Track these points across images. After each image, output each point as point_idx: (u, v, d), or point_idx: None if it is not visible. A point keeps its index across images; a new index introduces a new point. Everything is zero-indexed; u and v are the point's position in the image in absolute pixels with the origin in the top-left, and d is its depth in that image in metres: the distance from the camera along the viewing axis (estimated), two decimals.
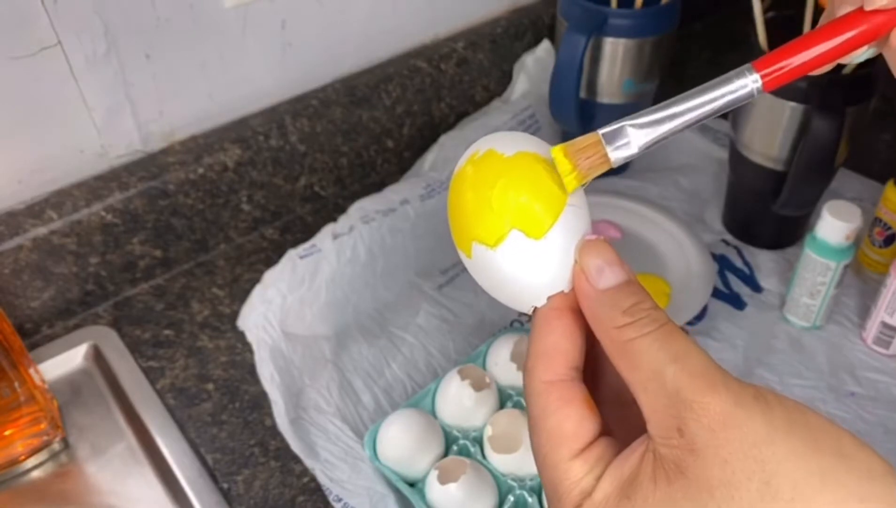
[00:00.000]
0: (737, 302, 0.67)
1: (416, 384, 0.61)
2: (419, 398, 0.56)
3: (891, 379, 0.61)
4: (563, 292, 0.28)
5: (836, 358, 0.63)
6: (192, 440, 0.57)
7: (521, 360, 0.56)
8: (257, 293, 0.62)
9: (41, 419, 0.56)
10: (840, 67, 0.28)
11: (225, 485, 0.54)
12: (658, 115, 0.27)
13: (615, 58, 0.71)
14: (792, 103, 0.61)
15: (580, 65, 0.67)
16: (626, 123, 0.27)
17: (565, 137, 0.79)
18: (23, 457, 0.56)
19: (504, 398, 0.56)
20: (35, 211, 0.61)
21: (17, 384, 0.54)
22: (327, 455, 0.55)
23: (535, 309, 0.28)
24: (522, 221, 0.27)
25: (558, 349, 0.27)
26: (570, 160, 0.27)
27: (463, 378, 0.54)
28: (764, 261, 0.71)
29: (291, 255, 0.62)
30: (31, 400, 0.55)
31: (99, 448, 0.58)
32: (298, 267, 0.61)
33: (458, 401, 0.54)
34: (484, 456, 0.52)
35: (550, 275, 0.28)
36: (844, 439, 0.23)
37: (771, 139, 0.64)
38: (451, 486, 0.48)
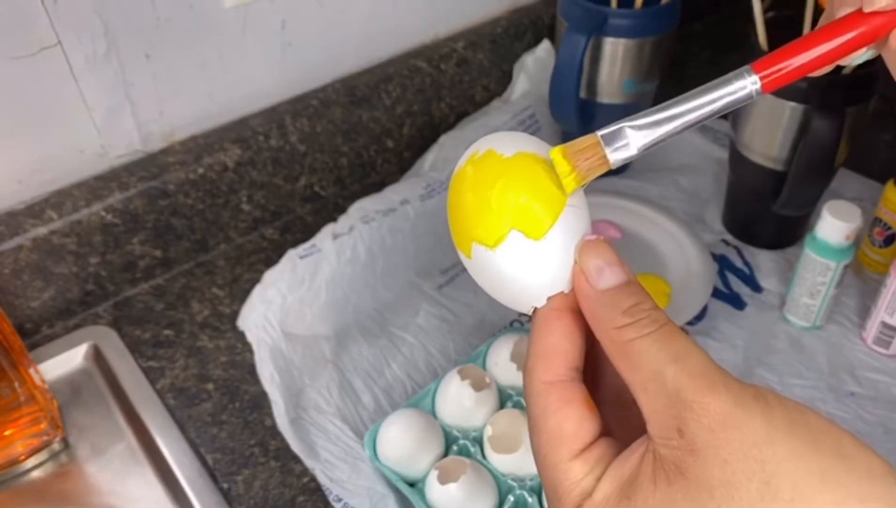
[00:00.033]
0: (737, 302, 0.67)
1: (416, 384, 0.61)
2: (419, 398, 0.56)
3: (891, 379, 0.61)
4: (562, 292, 0.28)
5: (836, 358, 0.63)
6: (192, 440, 0.57)
7: (521, 360, 0.56)
8: (257, 293, 0.62)
9: (41, 419, 0.56)
10: (839, 67, 0.28)
11: (225, 485, 0.54)
12: (657, 116, 0.27)
13: (615, 58, 0.71)
14: (792, 103, 0.61)
15: (580, 65, 0.67)
16: (624, 124, 0.27)
17: (565, 137, 0.79)
18: (23, 457, 0.56)
19: (504, 398, 0.56)
20: (35, 211, 0.61)
21: (17, 384, 0.54)
22: (327, 455, 0.55)
23: (535, 310, 0.28)
24: (522, 221, 0.27)
25: (558, 350, 0.27)
26: (568, 162, 0.27)
27: (463, 378, 0.54)
28: (764, 261, 0.71)
29: (291, 255, 0.62)
30: (31, 400, 0.55)
31: (99, 448, 0.58)
32: (298, 267, 0.61)
33: (458, 401, 0.54)
34: (484, 456, 0.52)
35: (550, 275, 0.28)
36: (844, 439, 0.23)
37: (771, 139, 0.64)
38: (451, 486, 0.48)
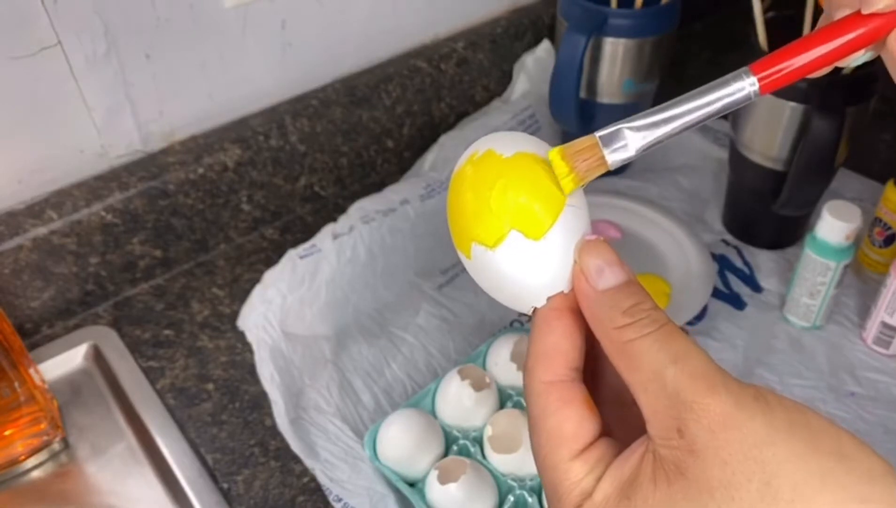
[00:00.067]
0: (737, 302, 0.67)
1: (416, 384, 0.61)
2: (419, 398, 0.56)
3: (891, 379, 0.61)
4: (562, 292, 0.28)
5: (836, 358, 0.63)
6: (192, 440, 0.57)
7: (521, 360, 0.56)
8: (257, 293, 0.62)
9: (41, 419, 0.56)
10: (839, 68, 0.28)
11: (225, 485, 0.54)
12: (655, 117, 0.27)
13: (615, 58, 0.71)
14: (792, 103, 0.61)
15: (580, 65, 0.67)
16: (623, 125, 0.27)
17: (565, 137, 0.79)
18: (23, 457, 0.56)
19: (504, 398, 0.56)
20: (35, 211, 0.61)
21: (17, 384, 0.54)
22: (327, 455, 0.55)
23: (535, 310, 0.28)
24: (522, 221, 0.27)
25: (558, 350, 0.27)
26: (567, 163, 0.27)
27: (463, 378, 0.54)
28: (764, 261, 0.71)
29: (291, 255, 0.62)
30: (31, 400, 0.55)
31: (99, 448, 0.58)
32: (298, 267, 0.61)
33: (458, 401, 0.54)
34: (484, 456, 0.52)
35: (550, 275, 0.28)
36: (844, 439, 0.23)
37: (771, 139, 0.64)
38: (451, 486, 0.48)
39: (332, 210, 0.76)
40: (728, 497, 0.22)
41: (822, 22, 0.28)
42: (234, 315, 0.64)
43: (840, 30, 0.26)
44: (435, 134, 0.81)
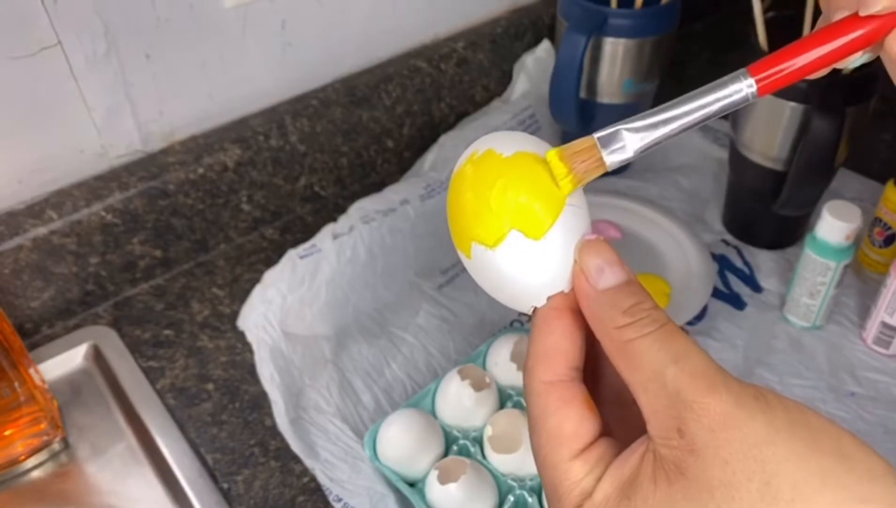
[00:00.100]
0: (737, 302, 0.67)
1: (416, 384, 0.61)
2: (419, 398, 0.56)
3: (891, 379, 0.61)
4: (562, 292, 0.28)
5: (836, 358, 0.63)
6: (192, 440, 0.57)
7: (521, 360, 0.56)
8: (257, 293, 0.61)
9: (41, 419, 0.56)
10: (838, 68, 0.28)
11: (225, 485, 0.54)
12: (653, 119, 0.27)
13: (615, 58, 0.71)
14: (792, 103, 0.61)
15: (580, 65, 0.67)
16: (621, 126, 0.28)
17: (565, 137, 0.79)
18: (23, 457, 0.56)
19: (504, 398, 0.56)
20: (35, 211, 0.61)
21: (17, 384, 0.54)
22: (327, 455, 0.55)
23: (535, 309, 0.28)
24: (522, 221, 0.27)
25: (558, 350, 0.27)
26: (565, 164, 0.27)
27: (463, 378, 0.54)
28: (764, 261, 0.71)
29: (291, 255, 0.62)
30: (31, 400, 0.55)
31: (99, 448, 0.58)
32: (298, 267, 0.61)
33: (458, 401, 0.54)
34: (484, 456, 0.52)
35: (550, 275, 0.28)
36: (845, 439, 0.23)
37: (771, 139, 0.64)
38: (451, 486, 0.48)
39: (332, 210, 0.76)
40: (728, 497, 0.22)
41: (820, 23, 0.28)
42: (234, 315, 0.64)
43: (838, 31, 0.26)
44: (435, 134, 0.81)
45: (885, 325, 0.61)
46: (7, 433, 0.55)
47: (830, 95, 0.59)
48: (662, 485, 0.23)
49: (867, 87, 0.61)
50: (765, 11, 0.62)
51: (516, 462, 0.50)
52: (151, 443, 0.57)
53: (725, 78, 0.27)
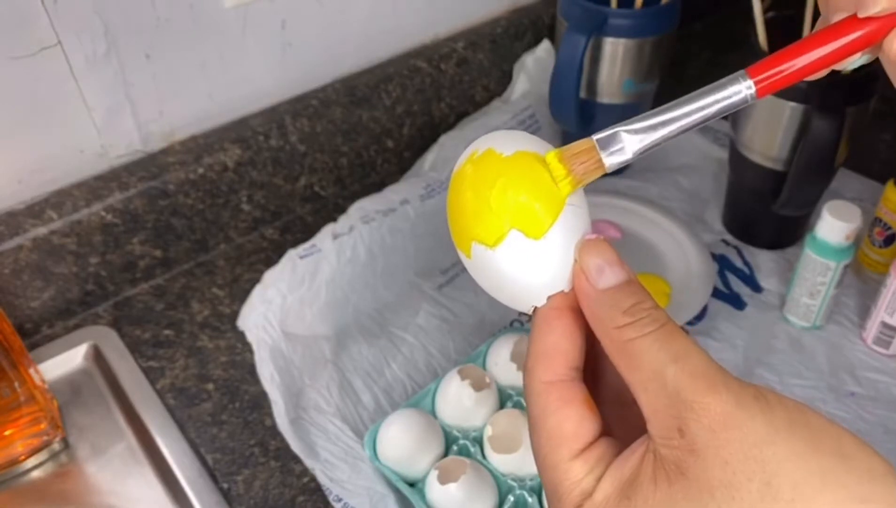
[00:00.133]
0: (737, 302, 0.67)
1: (416, 384, 0.61)
2: (419, 398, 0.56)
3: (891, 379, 0.61)
4: (563, 291, 0.28)
5: (836, 358, 0.63)
6: (192, 440, 0.57)
7: (521, 360, 0.56)
8: (257, 293, 0.61)
9: (41, 419, 0.56)
10: (836, 69, 0.28)
11: (225, 485, 0.54)
12: (652, 120, 0.27)
13: (615, 58, 0.71)
14: (792, 103, 0.61)
15: (580, 65, 0.67)
16: (620, 128, 0.28)
17: (565, 137, 0.79)
18: (23, 457, 0.56)
19: (504, 398, 0.56)
20: (35, 211, 0.61)
21: (17, 384, 0.54)
22: (327, 455, 0.55)
23: (535, 309, 0.28)
24: (522, 220, 0.27)
25: (558, 349, 0.27)
26: (564, 165, 0.27)
27: (463, 378, 0.54)
28: (764, 261, 0.71)
29: (291, 255, 0.62)
30: (31, 400, 0.55)
31: (99, 448, 0.58)
32: (298, 267, 0.61)
33: (458, 401, 0.54)
34: (484, 456, 0.52)
35: (550, 275, 0.28)
36: (845, 439, 0.23)
37: (771, 139, 0.64)
38: (451, 486, 0.48)
39: (332, 210, 0.76)
40: (728, 497, 0.22)
41: (819, 25, 0.28)
42: (234, 315, 0.64)
43: (837, 33, 0.26)
44: (435, 134, 0.81)
45: (885, 325, 0.61)
46: (7, 433, 0.55)
47: (830, 95, 0.59)
48: (663, 485, 0.23)
49: (867, 87, 0.61)
50: (765, 11, 0.62)
51: (516, 462, 0.50)
52: (151, 443, 0.57)
53: (724, 80, 0.27)
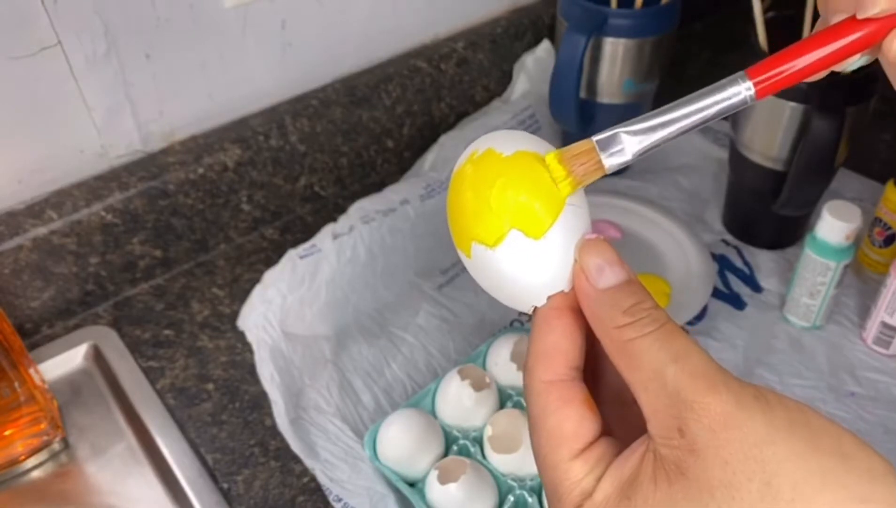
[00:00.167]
0: (737, 302, 0.67)
1: (416, 384, 0.61)
2: (419, 398, 0.56)
3: (891, 379, 0.61)
4: (563, 291, 0.28)
5: (836, 358, 0.63)
6: (192, 440, 0.57)
7: (521, 360, 0.56)
8: (257, 293, 0.61)
9: (41, 419, 0.56)
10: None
11: (225, 485, 0.54)
12: (652, 122, 0.27)
13: (615, 58, 0.71)
14: (792, 103, 0.61)
15: (580, 65, 0.67)
16: (620, 129, 0.28)
17: (565, 137, 0.79)
18: (23, 457, 0.56)
19: (504, 398, 0.56)
20: (35, 211, 0.61)
21: (17, 384, 0.54)
22: (327, 455, 0.55)
23: (535, 309, 0.28)
24: (522, 220, 0.27)
25: (558, 349, 0.27)
26: (564, 166, 0.27)
27: (463, 378, 0.54)
28: (764, 261, 0.71)
29: (291, 255, 0.62)
30: (31, 400, 0.55)
31: (99, 448, 0.58)
32: (298, 267, 0.61)
33: (458, 401, 0.54)
34: (484, 456, 0.52)
35: (550, 275, 0.28)
36: (845, 439, 0.23)
37: (771, 139, 0.64)
38: (451, 486, 0.48)
39: (332, 210, 0.76)
40: (728, 497, 0.22)
41: (818, 26, 0.28)
42: (234, 315, 0.64)
43: (836, 34, 0.26)
44: (435, 134, 0.81)
45: (885, 325, 0.61)
46: (7, 433, 0.55)
47: (830, 95, 0.59)
48: (663, 485, 0.23)
49: (867, 87, 0.61)
50: (765, 11, 0.62)
51: (516, 462, 0.50)
52: (151, 443, 0.57)
53: (724, 81, 0.27)
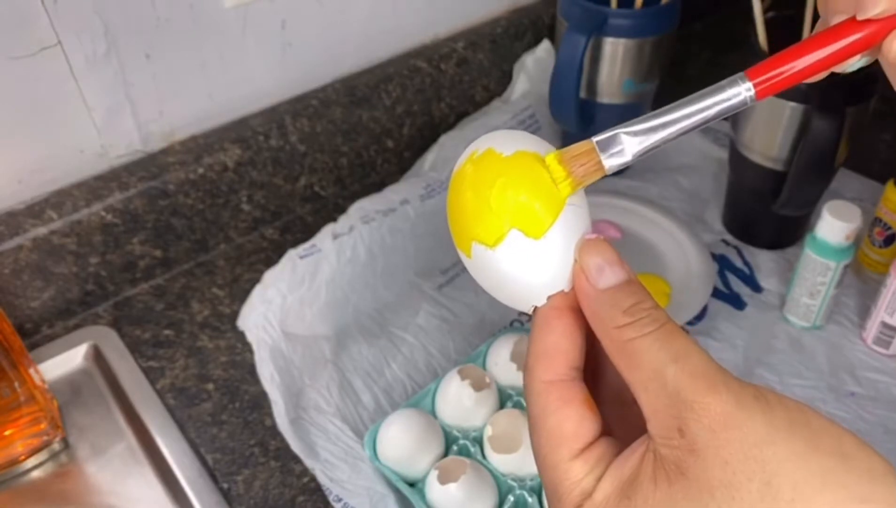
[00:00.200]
0: (737, 302, 0.67)
1: (416, 384, 0.61)
2: (419, 398, 0.56)
3: (891, 379, 0.61)
4: (563, 291, 0.28)
5: (836, 358, 0.63)
6: (192, 440, 0.57)
7: (521, 360, 0.56)
8: (257, 293, 0.61)
9: (41, 419, 0.56)
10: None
11: (225, 485, 0.54)
12: (652, 122, 0.27)
13: (615, 58, 0.71)
14: (792, 103, 0.61)
15: (580, 65, 0.67)
16: (620, 130, 0.28)
17: (565, 137, 0.79)
18: (23, 457, 0.56)
19: (504, 398, 0.56)
20: (35, 211, 0.61)
21: (17, 384, 0.54)
22: (327, 455, 0.55)
23: (535, 309, 0.28)
24: (522, 220, 0.27)
25: (558, 349, 0.27)
26: (564, 167, 0.27)
27: (463, 378, 0.54)
28: (764, 261, 0.71)
29: (291, 255, 0.62)
30: (31, 400, 0.55)
31: (99, 448, 0.58)
32: (298, 267, 0.61)
33: (458, 401, 0.54)
34: (484, 456, 0.52)
35: (550, 274, 0.28)
36: (845, 439, 0.23)
37: (771, 139, 0.64)
38: (451, 486, 0.48)
39: (332, 210, 0.76)
40: (728, 497, 0.22)
41: (818, 27, 0.28)
42: (234, 315, 0.64)
43: (836, 35, 0.26)
44: (435, 134, 0.81)
45: (885, 325, 0.61)
46: (7, 433, 0.55)
47: (830, 96, 0.59)
48: (663, 485, 0.23)
49: (867, 87, 0.61)
50: (765, 11, 0.62)
51: (516, 462, 0.50)
52: (151, 443, 0.57)
53: (724, 82, 0.27)
